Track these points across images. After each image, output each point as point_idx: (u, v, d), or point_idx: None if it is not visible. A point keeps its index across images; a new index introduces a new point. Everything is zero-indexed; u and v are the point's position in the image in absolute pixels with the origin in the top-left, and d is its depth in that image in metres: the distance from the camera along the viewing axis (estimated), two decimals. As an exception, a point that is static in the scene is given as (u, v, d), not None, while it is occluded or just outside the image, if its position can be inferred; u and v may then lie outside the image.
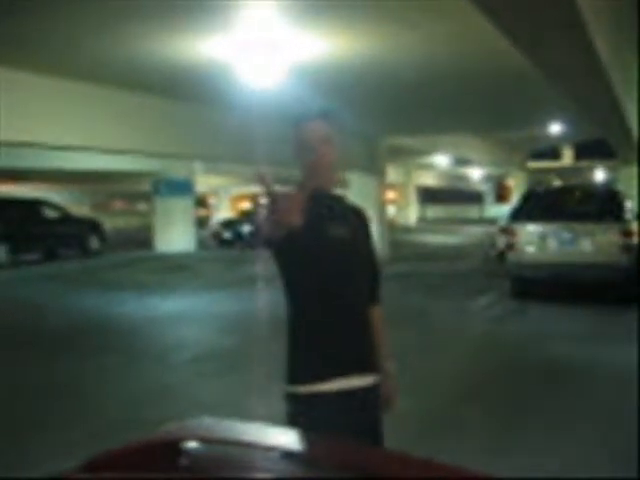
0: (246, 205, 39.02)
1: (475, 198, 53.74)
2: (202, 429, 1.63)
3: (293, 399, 2.27)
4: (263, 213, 2.03)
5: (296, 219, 1.83)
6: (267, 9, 6.12)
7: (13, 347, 8.35)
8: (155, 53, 7.68)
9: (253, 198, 39.62)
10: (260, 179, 1.87)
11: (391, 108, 12.66)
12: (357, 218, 2.51)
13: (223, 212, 37.39)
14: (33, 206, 19.45)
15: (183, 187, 22.01)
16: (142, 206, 36.85)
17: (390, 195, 36.80)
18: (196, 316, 10.27)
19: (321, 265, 2.28)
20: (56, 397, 6.22)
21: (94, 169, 19.22)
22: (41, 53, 7.90)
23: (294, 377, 2.29)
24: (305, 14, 6.38)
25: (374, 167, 17.15)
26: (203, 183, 28.22)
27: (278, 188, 1.89)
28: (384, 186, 18.20)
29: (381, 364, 2.43)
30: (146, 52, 7.66)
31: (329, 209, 2.36)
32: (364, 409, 2.31)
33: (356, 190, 17.25)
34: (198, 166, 22.17)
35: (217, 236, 24.88)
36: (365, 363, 2.33)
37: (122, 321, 9.95)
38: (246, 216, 24.92)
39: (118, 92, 10.11)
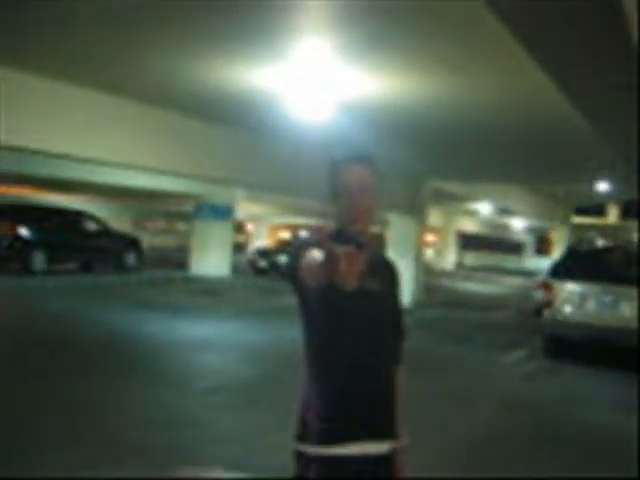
0: (284, 235, 39.14)
1: (515, 248, 53.09)
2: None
3: (302, 458, 2.14)
4: (310, 258, 1.95)
5: (353, 283, 1.73)
6: (322, 45, 6.11)
7: (35, 357, 8.36)
8: (209, 79, 7.72)
9: (292, 228, 39.77)
10: (318, 232, 1.81)
11: (437, 152, 12.59)
12: (388, 271, 2.41)
13: (261, 240, 37.53)
14: (74, 217, 19.69)
15: (223, 212, 22.11)
16: (181, 226, 37.15)
17: (429, 238, 36.56)
18: (222, 343, 10.17)
19: (349, 318, 2.16)
20: (63, 413, 6.13)
21: (138, 186, 19.39)
22: (102, 71, 7.99)
23: (305, 435, 2.17)
24: (358, 52, 6.35)
25: (415, 209, 17.01)
26: (244, 210, 28.36)
27: (335, 244, 1.80)
28: (424, 229, 18.03)
29: (398, 431, 2.29)
30: (200, 77, 7.70)
31: (369, 260, 2.25)
32: (376, 477, 2.17)
33: (395, 230, 17.13)
34: (240, 193, 22.29)
35: (253, 264, 24.88)
36: (382, 429, 2.20)
37: (147, 342, 9.89)
38: (283, 246, 24.91)
39: (168, 113, 10.19)
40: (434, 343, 11.35)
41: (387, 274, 2.38)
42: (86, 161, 11.59)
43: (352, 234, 2.19)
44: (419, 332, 11.71)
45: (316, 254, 1.88)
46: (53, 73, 8.22)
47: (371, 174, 2.27)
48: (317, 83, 6.94)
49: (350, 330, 2.16)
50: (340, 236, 2.15)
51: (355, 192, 2.22)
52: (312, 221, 34.80)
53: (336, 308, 2.11)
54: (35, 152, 9.92)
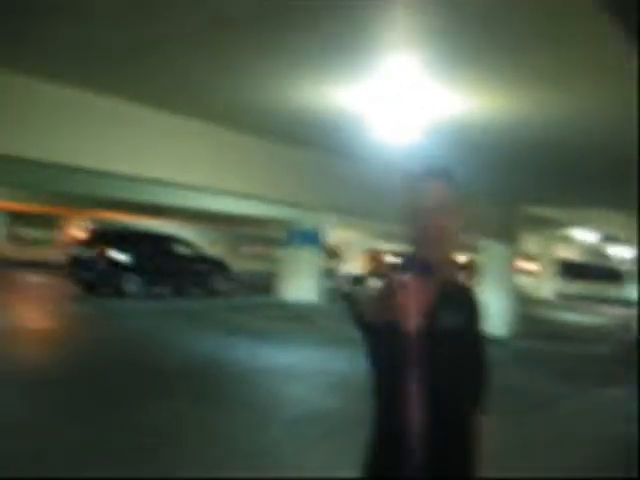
0: (376, 261, 38.79)
1: (615, 276, 50.83)
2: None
3: None
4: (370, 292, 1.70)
5: (416, 319, 1.46)
6: (409, 61, 5.85)
7: (121, 380, 8.40)
8: (294, 101, 7.58)
9: (384, 254, 39.37)
10: (376, 261, 1.54)
11: (530, 175, 12.01)
12: (467, 303, 2.12)
13: (352, 266, 37.29)
14: (166, 241, 20.07)
15: (313, 237, 22.04)
16: (271, 252, 37.41)
17: (526, 266, 35.38)
18: (307, 371, 9.95)
19: (423, 360, 1.86)
20: (140, 438, 6.06)
21: (230, 212, 19.57)
22: (191, 97, 8.00)
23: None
24: (446, 70, 6.05)
25: (508, 235, 16.38)
26: (335, 235, 28.23)
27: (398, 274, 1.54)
28: (517, 256, 17.33)
29: None
30: (286, 99, 7.58)
31: (441, 290, 1.95)
32: None
33: (486, 258, 16.56)
34: (330, 218, 22.17)
35: (341, 290, 24.71)
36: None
37: (232, 368, 9.82)
38: (374, 272, 24.65)
39: (255, 139, 10.14)
40: (528, 377, 10.74)
41: (466, 307, 2.09)
42: (175, 186, 11.70)
43: (427, 261, 1.92)
44: (512, 366, 11.17)
45: (375, 284, 1.63)
46: (143, 99, 8.30)
47: (451, 192, 2.01)
48: (404, 102, 6.68)
49: (416, 376, 1.86)
50: (412, 263, 1.89)
51: (432, 212, 1.96)
52: (405, 248, 34.28)
53: (398, 349, 1.82)
54: (126, 177, 10.10)
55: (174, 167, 9.43)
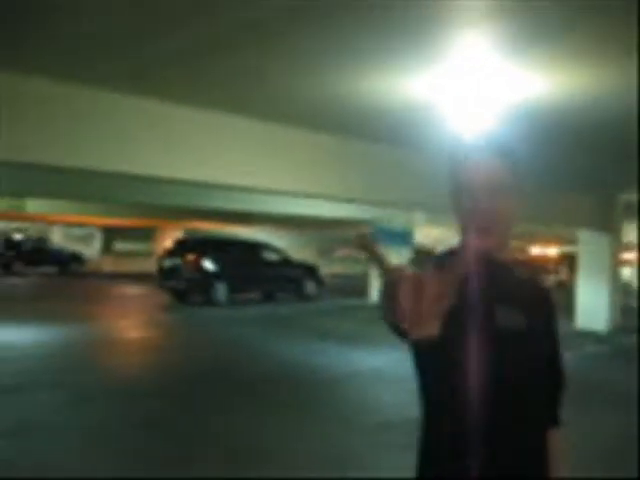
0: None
1: None
2: None
3: None
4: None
5: (432, 329, 1.13)
6: (481, 41, 5.45)
7: (209, 388, 8.36)
8: (367, 96, 7.30)
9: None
10: (359, 242, 1.19)
11: (630, 159, 11.26)
12: (537, 299, 1.75)
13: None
14: (254, 248, 20.15)
15: (401, 237, 21.63)
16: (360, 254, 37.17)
17: (629, 256, 33.75)
18: (398, 375, 9.61)
19: (478, 367, 1.55)
20: (220, 445, 5.93)
21: (318, 215, 19.44)
22: (264, 99, 7.83)
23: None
24: (520, 47, 5.60)
25: (608, 225, 15.53)
26: (424, 234, 27.67)
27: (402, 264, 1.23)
28: (619, 246, 16.40)
29: None
30: (358, 95, 7.30)
31: (498, 285, 1.62)
32: None
33: (586, 250, 15.77)
34: (419, 216, 21.69)
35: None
36: None
37: (322, 373, 9.66)
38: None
39: (331, 138, 9.91)
40: (625, 376, 10.03)
41: (536, 302, 1.73)
42: (264, 192, 11.65)
43: (475, 253, 1.60)
44: (612, 362, 10.52)
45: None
46: (224, 106, 8.21)
47: (506, 171, 1.65)
48: (478, 88, 6.27)
49: (479, 374, 1.54)
50: (449, 256, 1.59)
51: (482, 193, 1.62)
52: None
53: (460, 346, 1.52)
54: (217, 187, 10.12)
55: (262, 174, 9.33)
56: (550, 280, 34.03)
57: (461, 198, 1.66)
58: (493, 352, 1.53)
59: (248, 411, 7.37)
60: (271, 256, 20.46)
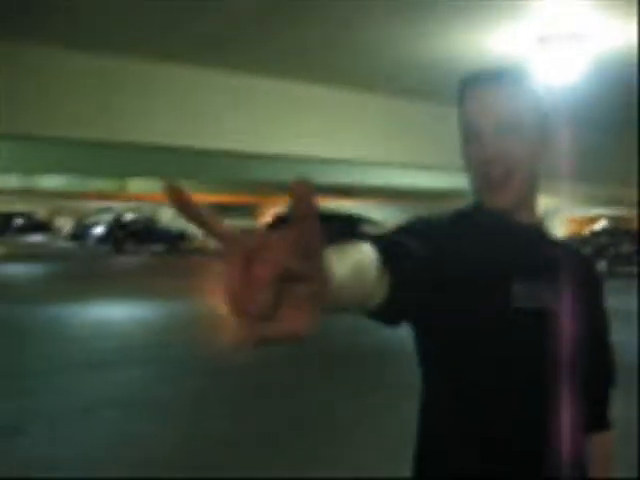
0: (583, 229, 36.36)
1: None
2: None
3: None
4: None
5: (296, 329, 0.60)
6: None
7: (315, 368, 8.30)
8: (444, 56, 6.96)
9: (590, 221, 36.80)
10: (171, 193, 0.65)
11: None
12: (574, 271, 1.35)
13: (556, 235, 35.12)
14: (352, 221, 20.00)
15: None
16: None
17: None
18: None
19: (493, 360, 1.23)
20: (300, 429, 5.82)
21: (414, 186, 19.02)
22: (347, 68, 7.61)
23: None
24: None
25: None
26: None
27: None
28: None
29: None
30: (437, 55, 6.98)
31: (518, 255, 1.29)
32: None
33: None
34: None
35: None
36: None
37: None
38: (581, 243, 23.09)
39: (417, 104, 9.57)
40: None
41: (574, 275, 1.33)
42: (361, 164, 11.47)
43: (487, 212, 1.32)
44: None
45: None
46: (308, 78, 8.06)
47: (521, 105, 1.30)
48: (565, 36, 5.80)
49: (494, 369, 1.23)
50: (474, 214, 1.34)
51: (488, 135, 1.28)
52: (610, 211, 31.84)
53: (465, 333, 1.22)
54: (315, 160, 10.00)
55: (357, 145, 9.17)
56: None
57: (469, 147, 1.32)
58: (509, 340, 1.21)
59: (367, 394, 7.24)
60: (369, 229, 20.25)
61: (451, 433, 1.25)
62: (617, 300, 15.26)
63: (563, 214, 36.54)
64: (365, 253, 0.94)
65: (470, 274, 1.19)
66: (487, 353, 1.21)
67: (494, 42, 6.33)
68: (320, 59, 7.22)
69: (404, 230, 1.18)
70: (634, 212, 34.35)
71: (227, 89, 7.74)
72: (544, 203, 29.78)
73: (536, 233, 1.37)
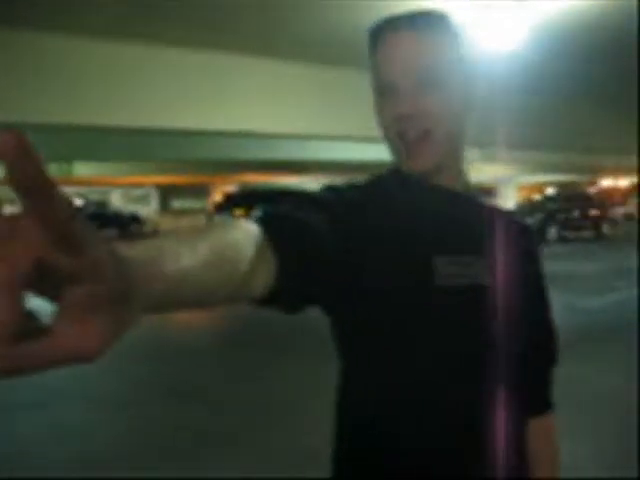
0: (534, 196, 36.82)
1: None
2: None
3: None
4: None
5: (77, 347, 0.43)
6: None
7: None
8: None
9: (540, 188, 37.28)
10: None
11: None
12: (507, 240, 1.17)
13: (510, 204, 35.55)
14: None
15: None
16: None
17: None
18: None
19: (417, 346, 1.06)
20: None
21: (363, 160, 18.87)
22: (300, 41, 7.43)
23: None
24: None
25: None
26: (482, 172, 26.79)
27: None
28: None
29: None
30: (372, 19, 6.81)
31: (439, 225, 1.14)
32: None
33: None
34: (472, 152, 20.88)
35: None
36: None
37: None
38: (532, 209, 23.37)
39: (347, 71, 9.45)
40: None
41: (512, 248, 1.17)
42: (313, 138, 11.34)
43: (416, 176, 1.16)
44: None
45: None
46: (275, 54, 7.91)
47: (438, 50, 1.10)
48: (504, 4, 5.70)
49: (416, 353, 1.06)
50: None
51: (401, 88, 1.10)
52: (561, 177, 32.27)
53: (382, 318, 1.06)
54: (266, 136, 9.82)
55: (310, 119, 9.01)
56: (617, 212, 32.76)
57: (382, 101, 1.14)
58: (433, 322, 1.06)
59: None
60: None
61: (378, 429, 1.09)
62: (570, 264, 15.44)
63: (515, 181, 36.98)
64: (238, 232, 0.79)
65: (383, 250, 1.03)
66: (410, 339, 1.05)
67: (438, 7, 6.18)
68: (255, 28, 7.03)
69: (307, 201, 1.02)
70: (584, 178, 34.92)
71: (167, 65, 7.51)
72: (496, 170, 30.09)
73: (461, 199, 1.19)
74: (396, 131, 1.13)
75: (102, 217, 30.39)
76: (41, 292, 0.43)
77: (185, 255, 0.65)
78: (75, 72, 6.92)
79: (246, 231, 0.80)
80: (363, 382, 1.12)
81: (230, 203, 18.76)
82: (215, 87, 7.92)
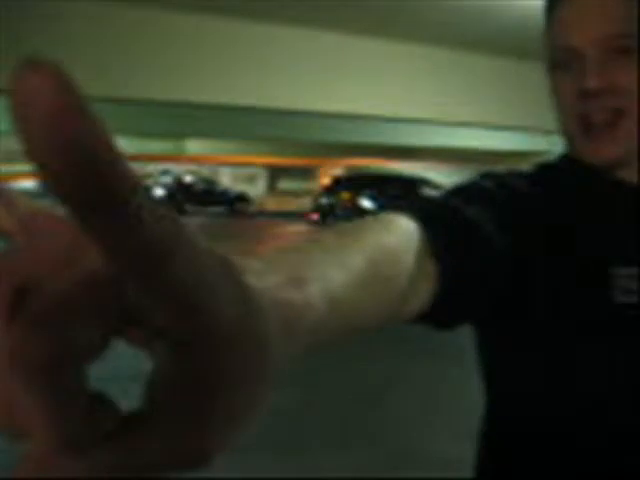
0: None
1: None
2: None
3: None
4: None
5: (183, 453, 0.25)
6: None
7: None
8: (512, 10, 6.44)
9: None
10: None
11: None
12: None
13: None
14: (413, 184, 19.59)
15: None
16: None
17: None
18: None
19: (587, 369, 0.86)
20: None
21: (477, 147, 18.41)
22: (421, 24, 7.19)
23: None
24: None
25: None
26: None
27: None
28: None
29: None
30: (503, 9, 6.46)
31: (622, 232, 0.89)
32: None
33: None
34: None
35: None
36: None
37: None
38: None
39: (500, 62, 9.05)
40: None
41: None
42: (428, 123, 11.10)
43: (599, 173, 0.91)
44: None
45: None
46: (366, 30, 7.70)
47: (631, 7, 0.84)
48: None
49: (584, 384, 0.86)
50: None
51: (588, 53, 0.86)
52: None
53: (543, 339, 0.89)
54: (378, 119, 9.72)
55: (425, 105, 8.80)
56: None
57: (559, 75, 0.91)
58: (612, 346, 0.85)
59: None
60: (431, 192, 19.79)
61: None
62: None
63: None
64: (393, 236, 0.60)
65: (555, 255, 0.85)
66: (583, 362, 0.86)
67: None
68: (373, 9, 6.82)
69: (469, 195, 0.81)
70: None
71: (289, 44, 7.44)
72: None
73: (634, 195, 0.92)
74: (578, 111, 0.88)
75: (212, 194, 31.05)
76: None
77: (334, 271, 0.45)
78: (195, 48, 6.95)
79: (402, 234, 0.62)
80: (526, 404, 0.93)
81: (340, 186, 18.75)
82: (330, 68, 7.81)
